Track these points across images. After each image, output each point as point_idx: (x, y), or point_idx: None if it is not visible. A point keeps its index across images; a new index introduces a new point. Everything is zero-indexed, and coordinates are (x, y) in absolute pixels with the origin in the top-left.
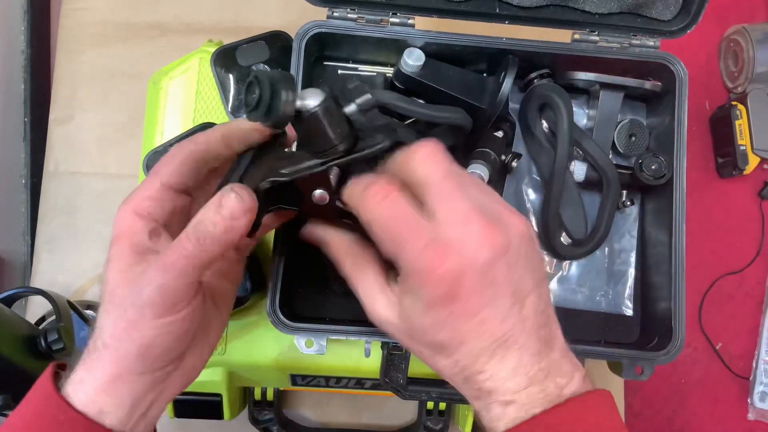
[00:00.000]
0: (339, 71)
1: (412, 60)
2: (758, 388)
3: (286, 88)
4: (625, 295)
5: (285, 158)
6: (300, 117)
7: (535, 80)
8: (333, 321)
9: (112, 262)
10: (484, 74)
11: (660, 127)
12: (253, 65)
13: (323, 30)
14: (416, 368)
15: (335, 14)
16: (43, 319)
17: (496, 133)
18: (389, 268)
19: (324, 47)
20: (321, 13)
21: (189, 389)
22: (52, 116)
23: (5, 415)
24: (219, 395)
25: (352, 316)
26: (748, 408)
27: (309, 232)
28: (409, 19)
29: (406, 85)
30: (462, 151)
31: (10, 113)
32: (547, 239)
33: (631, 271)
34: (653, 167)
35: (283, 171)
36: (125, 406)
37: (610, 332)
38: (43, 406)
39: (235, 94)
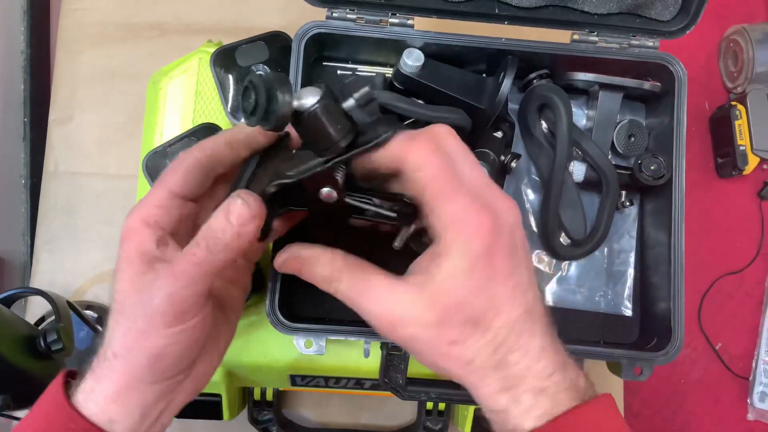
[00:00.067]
0: (338, 72)
1: (412, 60)
2: (758, 389)
3: (282, 90)
4: (625, 296)
5: (290, 160)
6: (299, 117)
7: (535, 81)
8: (332, 321)
9: (121, 271)
10: (484, 75)
11: (659, 128)
12: (252, 65)
13: (322, 30)
14: (415, 368)
15: (334, 15)
16: (42, 319)
17: (495, 134)
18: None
19: (323, 48)
20: (320, 14)
21: None
22: (51, 116)
23: (5, 415)
24: (218, 395)
25: (351, 316)
26: (748, 408)
27: (284, 261)
28: (408, 19)
29: (406, 85)
30: None
31: (10, 113)
32: (547, 239)
33: (631, 272)
34: (652, 167)
35: (288, 173)
36: (135, 416)
37: (609, 332)
38: (54, 415)
39: (234, 94)
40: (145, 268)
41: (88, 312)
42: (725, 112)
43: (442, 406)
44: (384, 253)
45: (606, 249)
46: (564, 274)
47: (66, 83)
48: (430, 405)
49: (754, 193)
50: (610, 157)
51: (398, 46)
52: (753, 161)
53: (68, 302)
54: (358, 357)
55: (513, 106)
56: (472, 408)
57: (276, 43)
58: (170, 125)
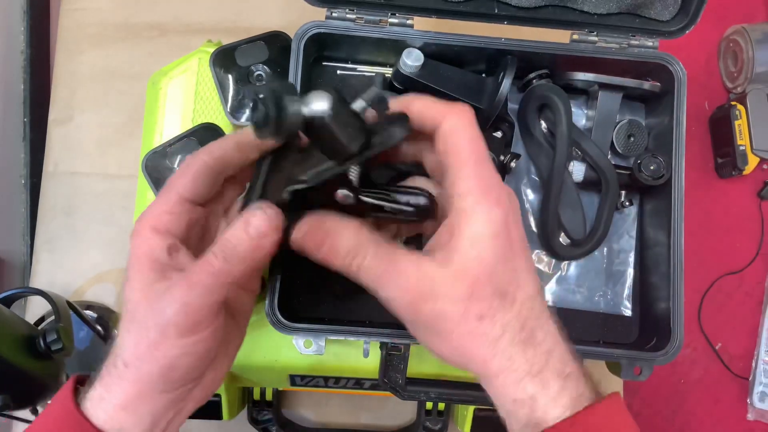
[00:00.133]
0: (338, 71)
1: (411, 60)
2: (757, 388)
3: (291, 101)
4: (624, 296)
5: (301, 162)
6: (310, 124)
7: (534, 80)
8: (332, 321)
9: (132, 280)
10: (483, 74)
11: (659, 128)
12: (252, 65)
13: (322, 30)
14: (415, 368)
15: (334, 14)
16: (42, 319)
17: (494, 134)
18: None
19: (323, 47)
20: (320, 14)
21: None
22: (51, 116)
23: (5, 415)
24: (218, 395)
25: (350, 316)
26: (748, 408)
27: (305, 233)
28: (407, 19)
29: (405, 85)
30: None
31: (10, 113)
32: (546, 239)
33: (630, 272)
34: (652, 167)
35: (302, 177)
36: (145, 424)
37: (609, 332)
38: (63, 422)
39: (234, 94)
40: (157, 276)
41: (88, 312)
42: (725, 112)
43: (441, 406)
44: None
45: (605, 249)
46: (563, 274)
47: (66, 83)
48: (429, 405)
49: (753, 193)
50: (609, 157)
51: (398, 46)
52: (753, 161)
53: (68, 302)
54: (358, 357)
55: (512, 106)
56: (471, 408)
57: (276, 43)
58: (170, 125)
